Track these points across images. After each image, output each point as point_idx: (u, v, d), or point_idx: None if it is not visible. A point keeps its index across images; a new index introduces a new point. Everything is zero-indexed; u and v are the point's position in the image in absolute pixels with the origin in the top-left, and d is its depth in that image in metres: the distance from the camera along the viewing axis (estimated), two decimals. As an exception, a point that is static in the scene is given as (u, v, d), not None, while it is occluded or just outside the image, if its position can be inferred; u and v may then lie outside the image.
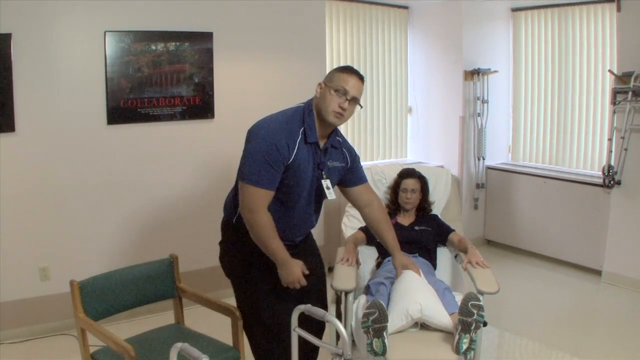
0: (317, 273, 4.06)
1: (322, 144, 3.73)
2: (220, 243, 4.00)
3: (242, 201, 3.55)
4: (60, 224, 5.41)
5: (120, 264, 4.13)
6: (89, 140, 5.45)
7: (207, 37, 5.88)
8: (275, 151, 3.48)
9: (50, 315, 5.39)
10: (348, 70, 3.65)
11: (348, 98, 3.58)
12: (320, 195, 3.81)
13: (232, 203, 3.82)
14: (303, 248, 3.96)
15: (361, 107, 3.76)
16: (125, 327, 5.22)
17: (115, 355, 3.55)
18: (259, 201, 3.51)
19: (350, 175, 4.02)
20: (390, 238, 4.24)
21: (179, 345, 2.61)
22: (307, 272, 3.72)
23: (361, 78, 3.67)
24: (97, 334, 3.59)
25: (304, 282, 3.70)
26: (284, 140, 3.51)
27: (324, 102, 3.60)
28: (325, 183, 3.76)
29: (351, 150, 4.01)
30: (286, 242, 3.70)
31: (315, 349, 4.09)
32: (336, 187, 3.99)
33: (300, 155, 3.58)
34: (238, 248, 3.84)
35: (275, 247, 3.61)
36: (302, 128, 3.61)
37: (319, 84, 3.66)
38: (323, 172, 3.75)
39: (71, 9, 5.21)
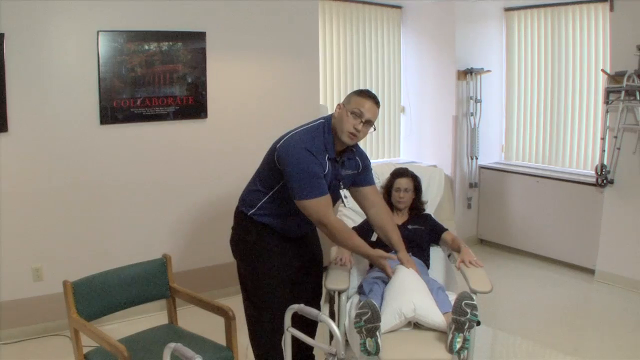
0: (317, 258, 4.42)
1: (339, 157, 3.98)
2: (233, 228, 4.20)
3: (311, 217, 3.83)
4: (53, 224, 5.40)
5: (113, 264, 4.11)
6: (82, 140, 5.43)
7: (200, 36, 5.87)
8: (312, 163, 3.74)
9: (44, 316, 5.38)
10: (365, 94, 3.92)
11: (363, 120, 3.86)
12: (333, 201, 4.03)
13: (252, 196, 4.06)
14: (307, 236, 4.23)
15: (375, 129, 4.02)
16: (118, 328, 5.23)
17: (109, 355, 3.55)
18: (323, 209, 3.81)
19: (360, 177, 4.23)
20: (396, 238, 4.38)
21: (172, 345, 2.60)
22: (393, 257, 4.30)
23: (377, 102, 3.93)
24: (90, 334, 3.58)
25: (390, 273, 4.23)
26: (315, 155, 3.76)
27: (340, 122, 3.87)
28: (343, 193, 4.08)
29: (363, 156, 4.25)
30: (293, 235, 4.06)
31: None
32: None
33: (328, 170, 3.85)
34: (249, 239, 4.05)
35: (359, 245, 4.12)
36: (324, 144, 3.85)
37: (339, 105, 3.94)
38: (341, 183, 4.03)
39: (64, 8, 5.20)
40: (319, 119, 4.00)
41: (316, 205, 3.75)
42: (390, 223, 4.39)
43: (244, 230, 4.06)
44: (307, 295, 4.27)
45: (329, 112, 4.15)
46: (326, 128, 3.89)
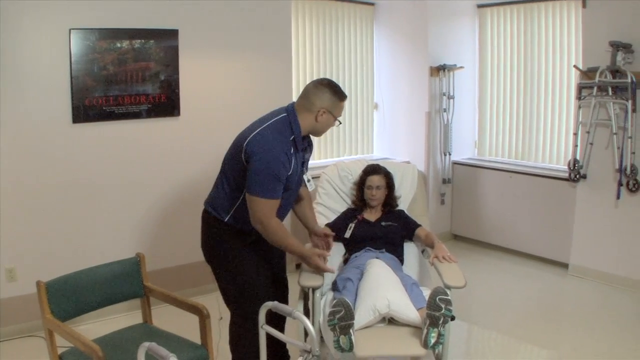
0: (283, 253, 4.40)
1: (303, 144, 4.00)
2: (205, 233, 4.13)
3: (253, 214, 3.81)
4: (26, 224, 5.35)
5: (87, 263, 4.09)
6: (54, 139, 5.40)
7: (172, 34, 5.86)
8: (281, 166, 3.74)
9: (18, 317, 5.34)
10: (343, 96, 3.99)
11: (340, 122, 4.07)
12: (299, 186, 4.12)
13: (224, 201, 4.00)
14: None
15: (340, 123, 4.10)
16: (93, 328, 5.22)
17: (83, 355, 3.54)
18: (267, 211, 3.78)
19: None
20: (311, 215, 4.52)
21: (146, 344, 2.60)
22: (327, 254, 4.26)
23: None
24: (64, 334, 3.57)
25: (326, 268, 4.11)
26: (283, 154, 3.75)
27: (325, 127, 4.00)
28: (307, 177, 4.15)
29: (310, 139, 4.21)
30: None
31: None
32: None
33: (294, 164, 3.85)
34: (226, 247, 4.02)
35: (292, 245, 3.98)
36: (292, 137, 3.84)
37: (323, 110, 3.90)
38: (305, 169, 4.10)
39: (36, 6, 5.16)
40: (280, 111, 3.95)
41: (264, 205, 3.73)
42: (309, 201, 4.48)
43: (219, 237, 4.00)
44: (279, 292, 4.29)
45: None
46: (292, 121, 3.86)
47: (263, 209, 3.73)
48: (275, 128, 3.82)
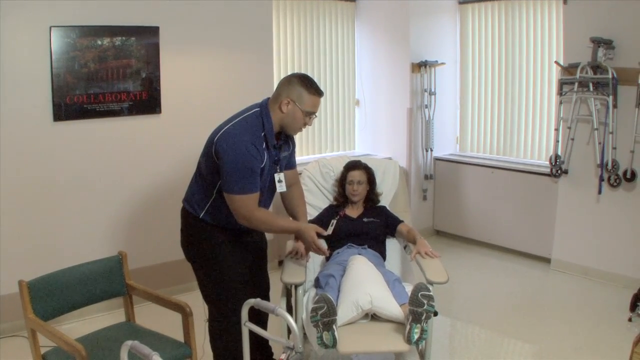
0: (264, 249, 4.42)
1: (277, 141, 3.95)
2: (183, 231, 4.12)
3: (235, 211, 3.77)
4: (7, 223, 5.31)
5: (69, 262, 4.07)
6: (35, 137, 5.36)
7: (153, 31, 5.84)
8: (252, 159, 3.69)
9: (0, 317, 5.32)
10: (315, 90, 3.88)
11: (314, 117, 3.96)
12: (273, 186, 4.02)
13: (198, 197, 3.98)
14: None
15: (315, 116, 4.02)
16: (76, 327, 5.20)
17: (67, 355, 3.52)
18: (249, 206, 3.77)
19: (288, 158, 4.21)
20: (302, 211, 4.41)
21: (129, 343, 2.60)
22: (324, 232, 4.25)
23: (322, 95, 3.94)
24: (47, 334, 3.55)
25: (322, 247, 4.15)
26: (252, 147, 3.70)
27: (293, 121, 3.88)
28: (278, 176, 4.01)
29: (293, 138, 4.21)
30: (245, 229, 3.94)
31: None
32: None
33: (266, 160, 3.81)
34: (203, 244, 4.00)
35: (283, 226, 4.13)
36: (263, 133, 3.80)
37: (288, 99, 3.83)
38: (278, 167, 4.00)
39: (16, 4, 5.12)
40: (254, 107, 3.91)
41: (246, 201, 3.71)
42: (300, 198, 4.42)
43: (197, 233, 4.00)
44: (260, 289, 4.28)
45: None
46: (264, 116, 3.82)
47: (244, 205, 3.72)
48: (245, 123, 3.79)
